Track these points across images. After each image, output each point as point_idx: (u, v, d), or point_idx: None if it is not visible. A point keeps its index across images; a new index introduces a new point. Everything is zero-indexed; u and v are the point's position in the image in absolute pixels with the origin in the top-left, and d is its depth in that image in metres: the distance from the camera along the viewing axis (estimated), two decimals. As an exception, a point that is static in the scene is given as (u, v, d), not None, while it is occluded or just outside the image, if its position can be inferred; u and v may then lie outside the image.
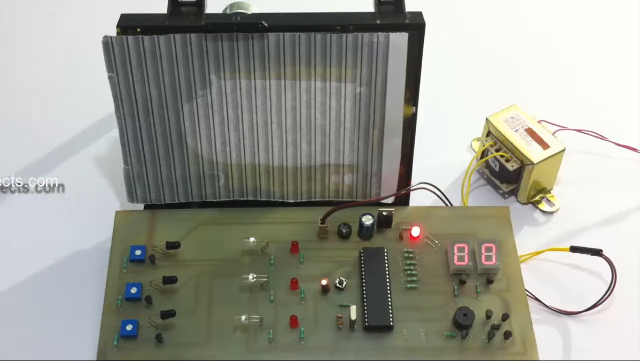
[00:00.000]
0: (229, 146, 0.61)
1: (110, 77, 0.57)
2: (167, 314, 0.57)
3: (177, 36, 0.55)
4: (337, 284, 0.59)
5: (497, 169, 0.67)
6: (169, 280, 0.59)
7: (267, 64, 0.57)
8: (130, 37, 0.55)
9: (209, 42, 0.56)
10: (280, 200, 0.64)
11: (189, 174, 0.62)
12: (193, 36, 0.56)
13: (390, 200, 0.64)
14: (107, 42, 0.56)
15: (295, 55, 0.57)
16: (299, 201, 0.64)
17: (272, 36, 0.56)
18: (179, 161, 0.61)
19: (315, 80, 0.58)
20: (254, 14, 0.60)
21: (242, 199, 0.64)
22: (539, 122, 0.67)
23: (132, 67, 0.57)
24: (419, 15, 0.56)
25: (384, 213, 0.61)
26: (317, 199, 0.64)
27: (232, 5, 0.62)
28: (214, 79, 0.58)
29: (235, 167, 0.62)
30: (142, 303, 0.58)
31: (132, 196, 0.63)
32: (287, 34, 0.56)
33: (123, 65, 0.57)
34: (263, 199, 0.64)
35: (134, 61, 0.56)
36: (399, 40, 0.56)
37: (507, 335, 0.57)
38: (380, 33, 0.56)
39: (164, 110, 0.59)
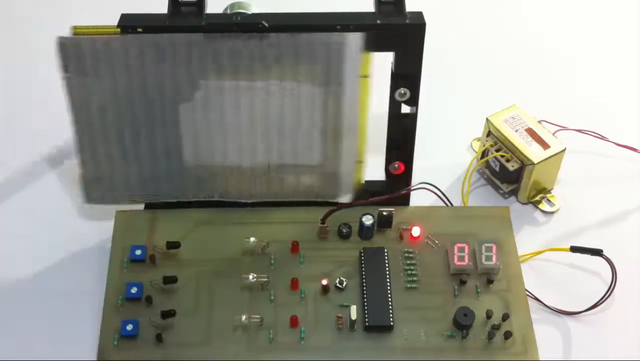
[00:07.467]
0: (187, 147, 0.60)
1: (64, 78, 0.56)
2: (167, 314, 0.57)
3: (129, 37, 0.55)
4: (337, 284, 0.59)
5: (497, 169, 0.67)
6: (169, 280, 0.59)
7: (223, 65, 0.56)
8: (84, 38, 0.55)
9: (169, 43, 0.55)
10: (236, 200, 0.63)
11: (146, 175, 0.61)
12: (130, 37, 0.55)
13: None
14: (62, 43, 0.55)
15: (251, 55, 0.56)
16: (256, 201, 0.63)
17: (223, 38, 0.55)
18: (135, 162, 0.60)
19: (272, 80, 0.57)
20: (254, 14, 0.60)
21: (196, 199, 0.63)
22: (539, 122, 0.67)
23: (88, 68, 0.56)
24: (419, 15, 0.56)
25: (384, 213, 0.61)
26: (276, 200, 0.63)
27: (232, 5, 0.62)
28: (168, 82, 0.57)
29: (192, 168, 0.61)
30: (142, 303, 0.58)
31: (88, 197, 0.62)
32: (241, 35, 0.55)
33: (78, 66, 0.56)
34: (218, 199, 0.63)
35: (90, 62, 0.56)
36: (354, 41, 0.56)
37: (508, 335, 0.57)
38: (335, 33, 0.55)
39: (119, 111, 0.58)
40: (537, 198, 0.67)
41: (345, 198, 0.63)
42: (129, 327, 0.57)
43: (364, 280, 0.59)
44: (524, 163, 0.65)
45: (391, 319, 0.58)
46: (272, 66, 0.57)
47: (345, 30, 0.56)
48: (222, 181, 0.62)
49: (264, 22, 0.55)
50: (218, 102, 0.58)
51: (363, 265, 0.60)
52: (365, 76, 0.58)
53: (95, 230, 0.64)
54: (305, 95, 0.58)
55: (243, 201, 0.63)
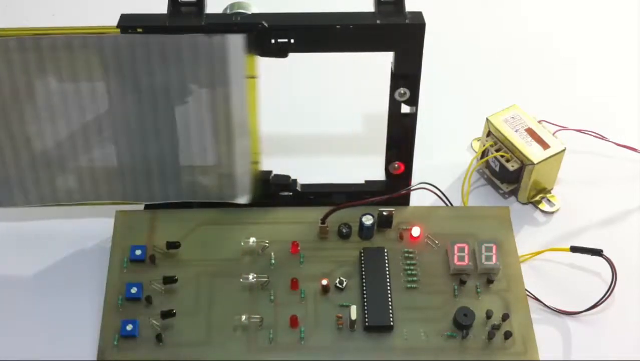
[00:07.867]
0: (81, 149, 0.60)
1: None
2: (167, 314, 0.57)
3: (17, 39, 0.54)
4: (337, 284, 0.59)
5: (497, 169, 0.67)
6: (169, 280, 0.59)
7: (106, 66, 0.56)
8: None
9: (34, 45, 0.55)
10: (134, 202, 0.63)
11: (41, 178, 0.61)
12: (26, 39, 0.54)
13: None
14: None
15: (135, 56, 0.56)
16: (155, 203, 0.63)
17: (107, 39, 0.55)
18: (26, 163, 0.60)
19: (158, 81, 0.57)
20: (254, 14, 0.60)
21: (95, 203, 0.63)
22: (539, 122, 0.67)
23: None
24: (419, 15, 0.56)
25: (384, 213, 0.61)
26: (173, 201, 0.63)
27: (232, 5, 0.62)
28: (53, 84, 0.56)
29: (86, 171, 0.61)
30: (142, 302, 0.58)
31: None
32: (119, 37, 0.55)
33: None
34: (118, 201, 0.63)
35: None
36: (236, 42, 0.55)
37: (508, 335, 0.57)
38: (217, 35, 0.55)
39: (7, 113, 0.58)
40: (537, 198, 0.67)
41: (243, 199, 0.63)
42: (129, 327, 0.57)
43: (364, 280, 0.59)
44: (524, 163, 0.65)
45: (391, 319, 0.58)
46: (158, 67, 0.56)
47: (345, 30, 0.56)
48: (119, 183, 0.62)
49: (263, 22, 0.55)
50: (108, 104, 0.58)
51: (363, 265, 0.60)
52: (252, 77, 0.58)
53: (95, 230, 0.64)
54: (193, 96, 0.58)
55: (146, 203, 0.63)
